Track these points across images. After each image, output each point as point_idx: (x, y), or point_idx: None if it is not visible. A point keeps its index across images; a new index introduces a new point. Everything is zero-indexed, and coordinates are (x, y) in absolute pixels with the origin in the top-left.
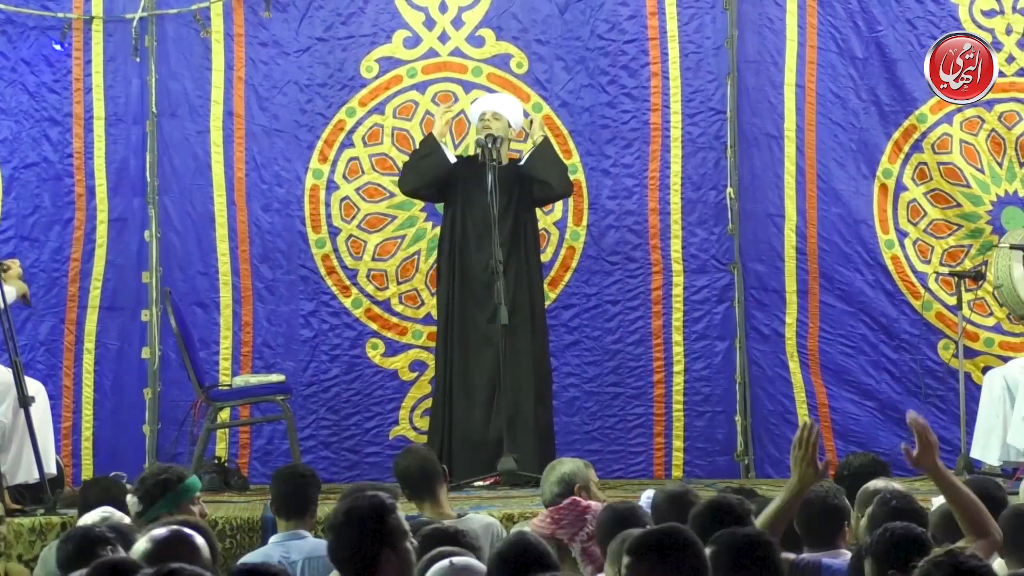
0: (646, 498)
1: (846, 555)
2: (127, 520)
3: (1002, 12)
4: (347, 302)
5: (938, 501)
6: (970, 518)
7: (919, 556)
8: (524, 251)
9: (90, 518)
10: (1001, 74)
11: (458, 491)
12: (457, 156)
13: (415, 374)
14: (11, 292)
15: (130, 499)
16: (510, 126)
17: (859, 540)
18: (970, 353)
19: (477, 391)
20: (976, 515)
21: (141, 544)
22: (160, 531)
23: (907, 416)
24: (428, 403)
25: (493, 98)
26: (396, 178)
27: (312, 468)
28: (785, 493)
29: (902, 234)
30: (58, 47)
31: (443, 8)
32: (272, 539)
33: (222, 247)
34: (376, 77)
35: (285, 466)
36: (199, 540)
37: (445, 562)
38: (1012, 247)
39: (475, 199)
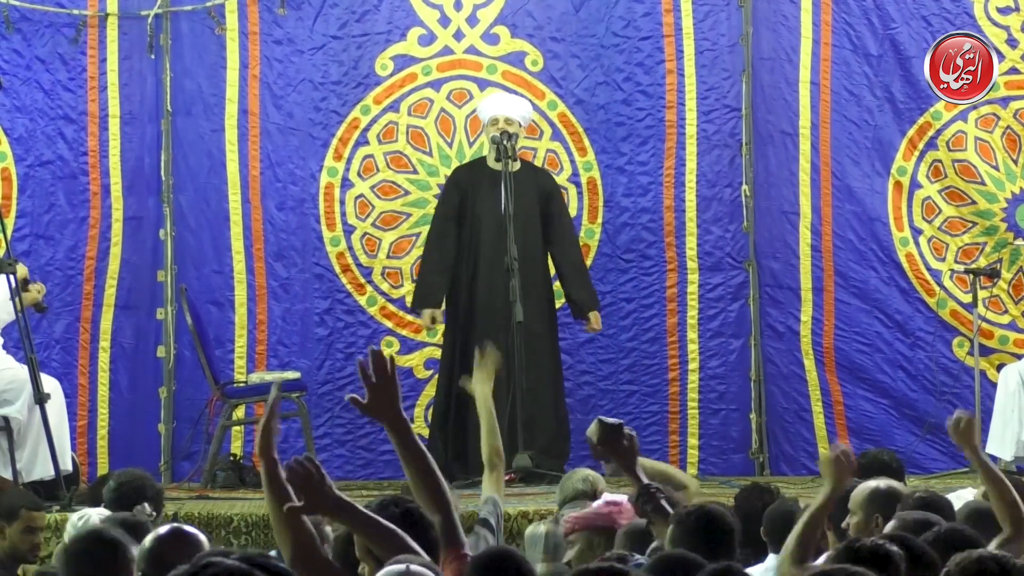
0: None
1: None
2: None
3: (1017, 9)
4: (362, 300)
5: (958, 500)
6: (1006, 503)
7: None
8: (539, 247)
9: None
10: (1015, 71)
11: (472, 488)
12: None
13: (429, 372)
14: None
15: (146, 507)
16: (520, 126)
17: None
18: (985, 351)
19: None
20: (1011, 501)
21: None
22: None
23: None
24: None
25: (502, 101)
26: (411, 175)
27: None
28: (820, 498)
29: (917, 231)
30: None
31: (458, 6)
32: None
33: (237, 245)
34: (391, 75)
35: None
36: (201, 537)
37: (401, 566)
38: None
39: (487, 199)
